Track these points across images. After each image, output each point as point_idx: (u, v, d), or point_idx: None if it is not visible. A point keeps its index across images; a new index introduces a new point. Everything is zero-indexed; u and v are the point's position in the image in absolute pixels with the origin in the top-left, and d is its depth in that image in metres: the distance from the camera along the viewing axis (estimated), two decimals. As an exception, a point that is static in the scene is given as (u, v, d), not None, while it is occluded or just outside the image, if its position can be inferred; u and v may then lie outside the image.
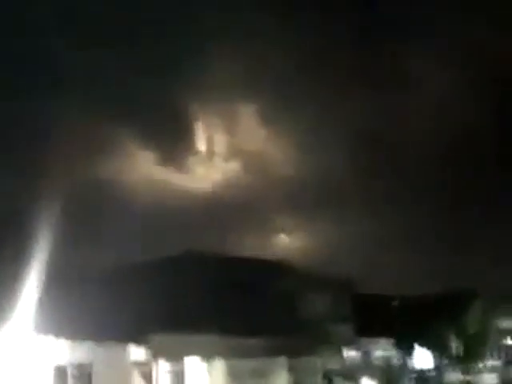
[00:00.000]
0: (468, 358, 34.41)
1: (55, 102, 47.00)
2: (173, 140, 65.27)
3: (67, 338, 17.67)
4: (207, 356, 19.97)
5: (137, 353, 20.07)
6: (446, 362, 35.41)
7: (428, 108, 68.63)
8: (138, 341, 19.70)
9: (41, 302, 17.06)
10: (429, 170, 66.51)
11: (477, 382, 25.68)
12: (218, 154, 63.59)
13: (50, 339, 17.26)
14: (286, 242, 60.67)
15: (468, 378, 25.75)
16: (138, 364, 19.93)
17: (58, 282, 24.60)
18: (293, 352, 22.51)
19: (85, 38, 50.75)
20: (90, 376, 18.48)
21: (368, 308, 33.94)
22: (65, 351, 17.77)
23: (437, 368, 33.88)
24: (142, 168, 61.12)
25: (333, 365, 24.85)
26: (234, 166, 65.94)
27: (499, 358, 35.30)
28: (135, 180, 58.54)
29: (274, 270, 28.81)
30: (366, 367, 27.40)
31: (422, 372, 34.11)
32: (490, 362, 32.86)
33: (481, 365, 30.42)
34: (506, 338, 46.33)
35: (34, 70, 50.21)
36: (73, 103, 46.70)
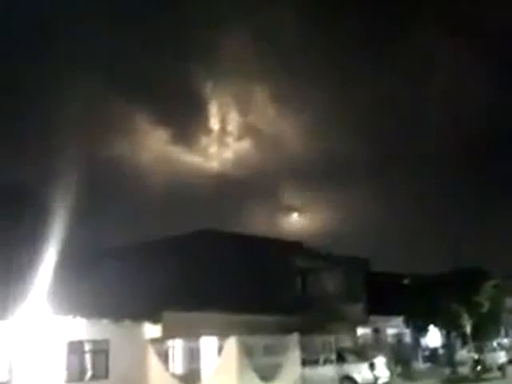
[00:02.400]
0: (479, 337, 34.60)
1: (68, 78, 47.09)
2: (186, 118, 65.43)
3: (84, 317, 17.93)
4: (221, 333, 20.24)
5: (153, 330, 20.39)
6: (456, 340, 35.65)
7: (440, 84, 68.07)
8: (153, 318, 19.99)
9: (57, 280, 17.30)
10: (441, 146, 66.22)
11: (487, 360, 25.82)
12: (230, 133, 63.67)
13: (68, 318, 17.52)
14: (298, 220, 60.96)
15: (478, 356, 25.91)
16: (153, 341, 20.26)
17: (74, 260, 24.96)
18: (305, 329, 22.74)
19: (96, 12, 50.62)
20: (107, 352, 18.79)
21: (380, 286, 34.13)
22: (82, 329, 18.05)
23: (447, 346, 34.13)
24: (155, 146, 61.34)
25: (345, 342, 25.08)
26: (246, 145, 66.03)
27: (509, 336, 35.51)
28: (148, 158, 58.85)
29: (287, 248, 29.01)
30: (378, 345, 27.64)
31: (432, 350, 34.38)
32: (501, 341, 33.03)
33: (491, 343, 30.58)
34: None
35: (46, 45, 50.19)
36: (86, 79, 46.76)
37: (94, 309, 18.42)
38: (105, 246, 30.73)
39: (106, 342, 18.87)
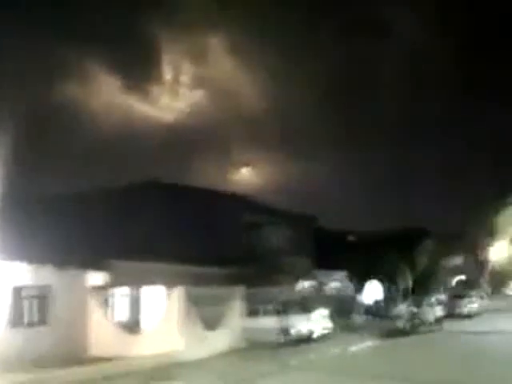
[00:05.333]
0: (418, 292, 36.01)
1: (18, 23, 44.83)
2: (137, 67, 63.61)
3: (27, 262, 17.58)
4: (165, 283, 20.24)
5: (95, 278, 20.21)
6: (397, 294, 36.99)
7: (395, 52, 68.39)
8: (98, 267, 19.77)
9: (1, 225, 16.79)
10: (388, 110, 67.07)
11: (423, 314, 26.85)
12: (183, 84, 62.39)
13: (10, 262, 17.15)
14: (248, 175, 61.02)
15: (415, 310, 26.91)
16: (96, 289, 20.11)
17: (20, 206, 24.27)
18: (250, 282, 23.02)
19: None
20: (48, 298, 18.58)
21: (325, 242, 34.83)
22: (24, 274, 17.73)
23: (387, 300, 35.35)
24: (105, 94, 59.57)
25: (288, 295, 25.55)
26: (198, 97, 64.95)
27: (445, 292, 37.02)
28: (99, 106, 57.15)
29: (235, 201, 29.04)
30: (319, 298, 28.30)
31: (373, 303, 35.55)
32: (437, 296, 34.37)
33: (429, 298, 31.81)
34: (451, 275, 48.61)
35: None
36: (36, 24, 44.63)
37: (37, 254, 18.08)
38: (52, 192, 29.97)
39: (48, 287, 18.63)
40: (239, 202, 29.16)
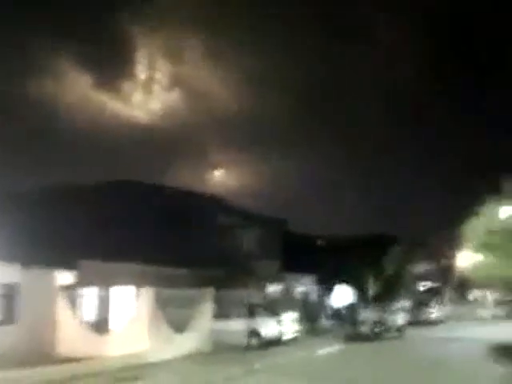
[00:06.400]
0: (382, 298, 36.59)
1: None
2: (110, 63, 63.12)
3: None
4: (134, 284, 20.33)
5: (64, 277, 20.20)
6: (361, 300, 37.55)
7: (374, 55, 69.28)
8: (67, 266, 19.77)
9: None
10: (366, 113, 67.95)
11: (387, 321, 27.38)
12: (157, 82, 62.16)
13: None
14: (220, 177, 61.14)
15: (380, 316, 27.43)
16: (65, 288, 20.09)
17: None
18: (220, 284, 23.21)
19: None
20: (15, 297, 18.49)
21: (294, 245, 35.23)
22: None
23: (352, 306, 35.87)
24: (77, 89, 58.97)
25: (256, 298, 25.81)
26: (173, 97, 64.79)
27: (410, 299, 37.68)
28: (70, 101, 56.60)
29: (206, 203, 29.16)
30: (288, 302, 28.64)
31: (338, 309, 36.06)
32: (402, 303, 34.99)
33: (393, 305, 32.38)
34: (417, 282, 49.47)
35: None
36: (9, 20, 44.06)
37: (4, 252, 17.99)
38: (21, 190, 29.66)
39: (16, 286, 18.55)
40: (212, 204, 29.30)
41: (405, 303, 35.52)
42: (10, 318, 18.38)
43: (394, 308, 30.89)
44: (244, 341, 22.54)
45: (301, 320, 25.85)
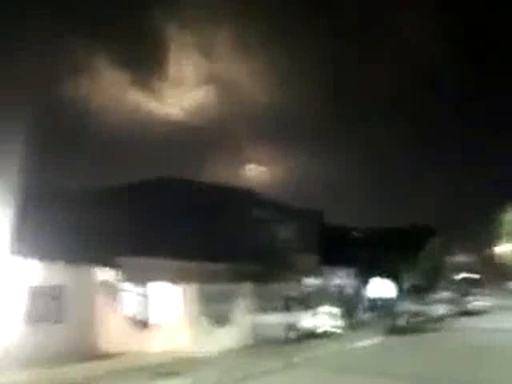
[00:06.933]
0: (422, 290, 36.26)
1: (29, 17, 45.13)
2: (145, 62, 63.73)
3: (39, 260, 17.97)
4: (174, 279, 20.63)
5: (106, 274, 20.58)
6: (400, 292, 37.29)
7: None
8: (107, 263, 20.15)
9: (15, 224, 17.19)
10: (394, 111, 67.10)
11: (428, 312, 27.18)
12: (191, 80, 62.51)
13: (23, 261, 17.54)
14: (257, 171, 61.18)
15: (420, 308, 27.25)
16: (106, 285, 20.47)
17: (32, 204, 24.66)
18: (258, 278, 23.37)
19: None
20: (60, 296, 18.93)
21: (331, 238, 35.13)
22: (37, 272, 18.10)
23: (391, 298, 35.65)
24: (112, 89, 59.81)
25: (294, 292, 25.91)
26: (207, 93, 65.05)
27: (451, 290, 37.27)
28: (106, 101, 57.44)
29: (243, 198, 29.31)
30: (324, 295, 28.67)
31: (376, 301, 35.88)
32: (442, 294, 34.66)
33: (433, 297, 32.11)
34: (457, 273, 48.87)
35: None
36: (46, 19, 44.93)
37: (49, 253, 18.44)
38: (63, 190, 30.35)
39: (63, 286, 18.95)
40: (248, 198, 29.42)
41: (445, 294, 35.19)
42: (58, 317, 18.77)
43: (433, 299, 30.62)
44: (283, 334, 22.67)
45: (341, 314, 25.88)
